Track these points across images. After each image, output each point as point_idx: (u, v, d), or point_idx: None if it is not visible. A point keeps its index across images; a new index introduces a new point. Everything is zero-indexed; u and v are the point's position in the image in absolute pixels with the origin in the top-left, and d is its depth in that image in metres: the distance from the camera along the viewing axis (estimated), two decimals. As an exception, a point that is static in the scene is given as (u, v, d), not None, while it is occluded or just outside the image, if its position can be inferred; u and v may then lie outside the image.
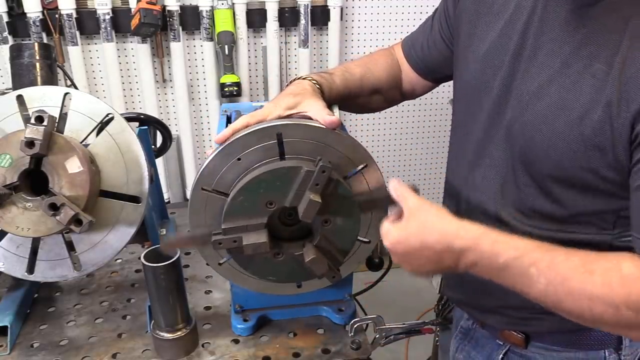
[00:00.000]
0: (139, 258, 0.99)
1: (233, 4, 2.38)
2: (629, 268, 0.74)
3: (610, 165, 0.79)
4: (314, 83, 1.03)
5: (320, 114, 0.92)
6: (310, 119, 0.93)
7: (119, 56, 2.43)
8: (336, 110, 1.04)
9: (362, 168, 0.93)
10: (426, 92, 1.26)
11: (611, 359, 0.98)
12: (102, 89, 2.51)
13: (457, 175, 1.07)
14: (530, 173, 0.90)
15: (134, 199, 1.04)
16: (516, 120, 0.89)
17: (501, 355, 1.08)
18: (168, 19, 2.35)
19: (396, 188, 0.88)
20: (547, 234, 0.90)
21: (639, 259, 0.75)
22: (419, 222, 0.83)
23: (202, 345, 1.08)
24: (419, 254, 0.83)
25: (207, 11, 2.38)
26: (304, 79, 1.04)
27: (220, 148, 0.90)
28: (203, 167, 0.91)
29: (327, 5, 2.51)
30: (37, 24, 2.23)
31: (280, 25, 2.49)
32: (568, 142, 0.82)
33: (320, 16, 2.53)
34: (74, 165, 0.94)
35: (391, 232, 0.85)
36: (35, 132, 0.91)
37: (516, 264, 0.78)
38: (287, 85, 1.06)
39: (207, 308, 1.20)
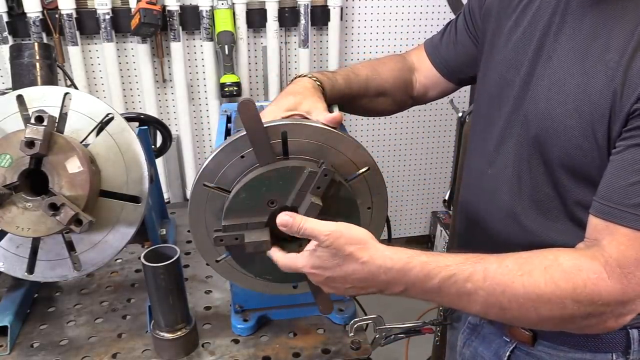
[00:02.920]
0: (139, 258, 0.99)
1: (233, 4, 2.38)
2: (568, 262, 0.75)
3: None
4: (315, 80, 1.03)
5: (320, 117, 0.92)
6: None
7: (119, 56, 2.43)
8: (336, 109, 1.04)
9: (365, 171, 0.93)
10: (441, 96, 1.27)
11: None
12: (102, 89, 2.51)
13: (477, 167, 1.09)
14: (544, 162, 0.90)
15: (134, 199, 1.04)
16: (532, 110, 0.91)
17: (508, 353, 1.08)
18: (168, 19, 2.35)
19: (295, 224, 0.82)
20: (555, 234, 0.92)
21: (574, 252, 0.78)
22: (344, 250, 0.79)
23: (202, 345, 1.08)
24: (344, 279, 0.81)
25: (207, 11, 2.38)
26: (305, 76, 1.04)
27: (224, 144, 0.90)
28: (205, 163, 0.91)
29: (327, 5, 2.51)
30: (37, 24, 2.23)
31: (280, 25, 2.49)
32: (578, 130, 0.83)
33: (320, 16, 2.53)
34: (74, 165, 0.94)
35: (303, 258, 0.83)
36: (35, 132, 0.91)
37: (450, 283, 0.77)
38: (289, 83, 1.06)
39: (207, 308, 1.20)
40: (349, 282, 0.80)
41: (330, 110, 0.97)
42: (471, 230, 1.12)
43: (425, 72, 1.22)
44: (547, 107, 0.88)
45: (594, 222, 0.80)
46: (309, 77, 1.03)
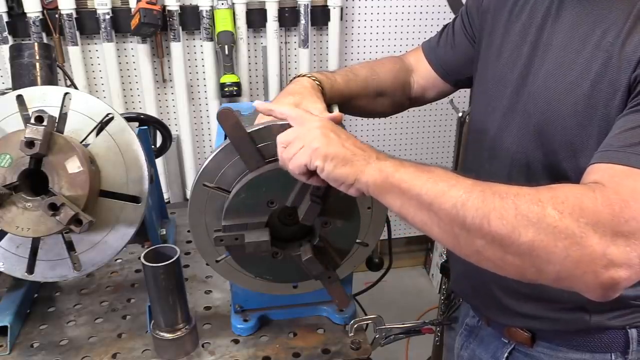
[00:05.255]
0: (139, 258, 0.99)
1: (233, 3, 2.38)
2: (553, 185, 0.71)
3: None
4: (314, 80, 1.03)
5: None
6: None
7: (119, 56, 2.43)
8: (336, 109, 1.04)
9: None
10: (439, 98, 1.27)
11: None
12: (102, 89, 2.51)
13: (474, 164, 1.09)
14: (545, 153, 0.91)
15: (134, 199, 1.04)
16: (531, 102, 0.92)
17: (506, 354, 1.08)
18: (168, 18, 2.35)
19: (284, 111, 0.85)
20: None
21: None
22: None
23: (202, 345, 1.09)
24: (340, 133, 0.80)
25: (207, 11, 2.37)
26: (304, 76, 1.04)
27: (224, 145, 0.90)
28: (205, 163, 0.91)
29: (327, 5, 2.51)
30: (37, 24, 2.23)
31: (280, 25, 2.49)
32: (582, 115, 0.83)
33: (320, 16, 2.53)
34: (73, 165, 0.94)
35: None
36: (35, 132, 0.91)
37: (443, 170, 0.74)
38: (289, 83, 1.06)
39: (207, 308, 1.20)
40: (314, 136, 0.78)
41: (330, 110, 0.97)
42: None
43: (423, 74, 1.22)
44: (547, 97, 0.89)
45: (587, 170, 0.75)
46: (308, 77, 1.03)
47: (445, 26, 1.23)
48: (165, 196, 2.47)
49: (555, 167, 0.90)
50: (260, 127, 0.88)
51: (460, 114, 2.01)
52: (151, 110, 2.48)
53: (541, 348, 1.03)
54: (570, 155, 0.87)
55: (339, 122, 0.91)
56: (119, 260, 1.38)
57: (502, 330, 1.08)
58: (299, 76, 1.05)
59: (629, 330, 0.96)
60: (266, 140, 0.88)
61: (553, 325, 0.99)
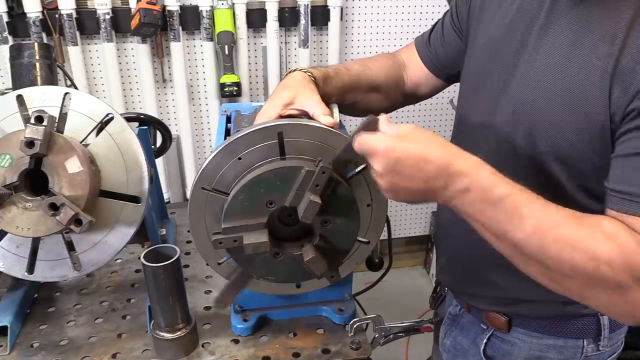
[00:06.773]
0: (139, 258, 0.99)
1: (233, 4, 2.38)
2: (609, 226, 0.74)
3: (609, 145, 0.81)
4: (306, 72, 1.04)
5: (316, 109, 0.92)
6: (308, 114, 0.94)
7: (119, 56, 2.43)
8: (335, 110, 1.04)
9: (362, 169, 0.93)
10: (432, 94, 1.27)
11: (589, 349, 1.02)
12: (102, 89, 2.51)
13: None
14: (531, 154, 0.91)
15: (134, 199, 1.04)
16: (521, 103, 0.91)
17: (485, 340, 1.12)
18: (168, 19, 2.35)
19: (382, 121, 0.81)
20: None
21: (614, 220, 0.75)
22: (423, 135, 0.78)
23: (202, 345, 1.09)
24: (414, 164, 0.76)
25: (207, 11, 2.37)
26: (297, 70, 1.05)
27: (221, 147, 0.90)
28: (203, 166, 0.91)
29: (327, 5, 2.51)
30: (37, 24, 2.23)
31: (280, 25, 2.49)
32: (572, 122, 0.83)
33: (320, 16, 2.53)
34: (74, 165, 0.94)
35: (386, 138, 0.77)
36: (35, 132, 0.91)
37: (509, 200, 0.75)
38: (283, 78, 1.07)
39: (207, 308, 1.20)
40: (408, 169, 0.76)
41: (329, 108, 0.97)
42: (452, 225, 1.12)
43: (415, 69, 1.23)
44: (535, 99, 0.88)
45: (629, 222, 0.76)
46: (300, 71, 1.04)
47: (437, 21, 1.23)
48: (165, 196, 2.47)
49: (542, 171, 0.90)
50: (273, 124, 0.89)
51: (460, 114, 2.01)
52: (151, 110, 2.48)
53: (517, 333, 1.07)
54: (558, 159, 0.87)
55: (336, 126, 0.92)
56: (119, 260, 1.38)
57: (481, 315, 1.11)
58: (292, 71, 1.06)
59: (600, 317, 1.01)
60: (273, 138, 0.89)
61: (528, 310, 1.03)
